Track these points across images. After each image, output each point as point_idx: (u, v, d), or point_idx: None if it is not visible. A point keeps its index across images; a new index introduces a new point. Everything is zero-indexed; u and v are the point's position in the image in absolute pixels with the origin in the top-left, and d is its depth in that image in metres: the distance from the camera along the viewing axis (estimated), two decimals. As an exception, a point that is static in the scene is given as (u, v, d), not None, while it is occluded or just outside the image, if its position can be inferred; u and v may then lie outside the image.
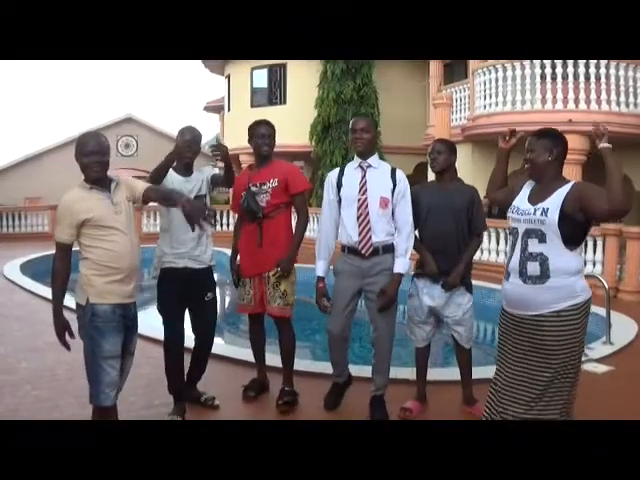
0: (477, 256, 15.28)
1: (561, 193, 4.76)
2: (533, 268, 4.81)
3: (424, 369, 7.00)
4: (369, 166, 6.50)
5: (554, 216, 4.70)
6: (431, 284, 6.63)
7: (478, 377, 7.04)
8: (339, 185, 6.58)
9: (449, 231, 6.60)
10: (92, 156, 5.07)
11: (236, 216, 7.46)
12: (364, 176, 6.47)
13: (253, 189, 6.79)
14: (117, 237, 5.12)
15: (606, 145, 4.72)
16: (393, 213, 6.40)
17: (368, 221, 6.35)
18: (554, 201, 4.76)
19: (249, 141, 6.97)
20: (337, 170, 6.79)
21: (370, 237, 6.36)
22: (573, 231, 4.76)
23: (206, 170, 6.84)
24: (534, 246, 4.82)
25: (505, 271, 5.11)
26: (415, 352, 6.99)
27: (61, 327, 5.14)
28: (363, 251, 6.38)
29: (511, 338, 4.99)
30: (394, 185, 6.41)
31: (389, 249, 6.44)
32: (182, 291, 6.49)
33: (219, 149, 6.42)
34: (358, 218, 6.39)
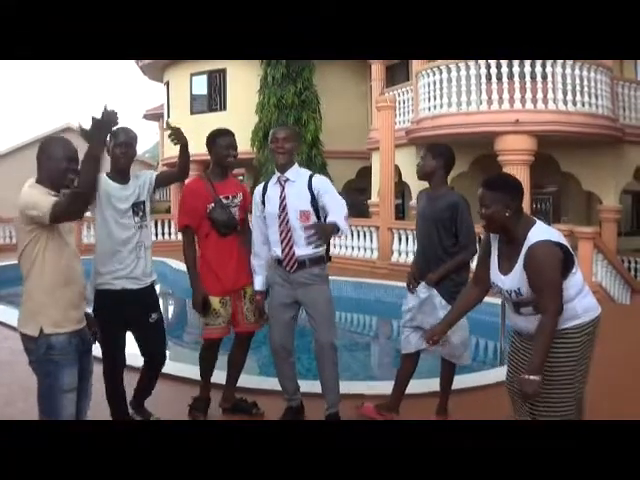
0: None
1: (520, 264, 4.61)
2: (527, 310, 4.72)
3: (401, 379, 6.68)
4: (287, 180, 6.29)
5: (528, 291, 4.59)
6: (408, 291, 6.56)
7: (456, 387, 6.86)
8: (263, 202, 6.42)
9: (430, 240, 6.35)
10: (72, 162, 4.63)
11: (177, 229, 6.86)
12: (282, 191, 6.29)
13: (225, 201, 6.41)
14: (69, 251, 4.66)
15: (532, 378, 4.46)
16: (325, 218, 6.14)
17: (290, 237, 6.22)
18: (520, 277, 4.62)
19: (209, 151, 6.48)
20: (261, 186, 6.55)
21: (294, 253, 6.23)
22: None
23: (145, 174, 6.30)
24: (525, 310, 4.75)
25: None
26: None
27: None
28: (287, 267, 6.27)
29: (518, 353, 4.94)
30: (312, 195, 6.18)
31: (317, 261, 6.29)
32: (122, 316, 5.90)
33: (173, 131, 5.98)
34: (280, 234, 6.26)
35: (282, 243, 6.24)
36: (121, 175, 6.00)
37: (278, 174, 6.33)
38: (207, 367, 6.68)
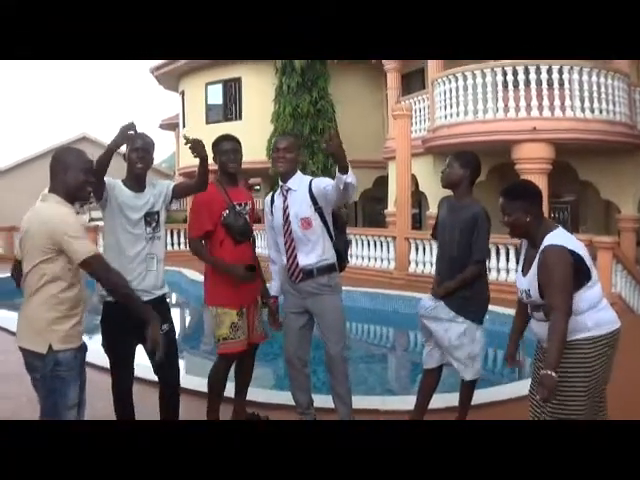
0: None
1: (535, 266, 4.75)
2: (540, 316, 4.84)
3: (424, 394, 6.50)
4: (289, 190, 6.27)
5: (536, 294, 4.75)
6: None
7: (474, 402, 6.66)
8: (271, 213, 6.43)
9: (450, 251, 6.24)
10: (89, 174, 4.60)
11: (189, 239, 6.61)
12: (285, 201, 6.28)
13: (238, 208, 6.30)
14: (77, 269, 4.53)
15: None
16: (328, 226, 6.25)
17: (294, 247, 6.21)
18: (532, 278, 4.77)
19: (214, 158, 6.32)
20: (270, 197, 6.54)
21: (297, 263, 6.20)
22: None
23: (162, 184, 6.02)
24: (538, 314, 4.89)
25: None
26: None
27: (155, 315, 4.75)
28: (292, 278, 6.25)
29: (539, 363, 5.00)
30: (313, 201, 6.14)
31: (325, 270, 6.20)
32: (131, 328, 5.40)
33: (192, 144, 5.66)
34: (285, 244, 6.27)
35: (287, 253, 6.22)
36: (137, 182, 5.73)
37: (281, 184, 6.29)
38: (220, 385, 6.45)
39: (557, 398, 4.55)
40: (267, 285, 6.65)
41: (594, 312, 4.70)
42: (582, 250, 4.67)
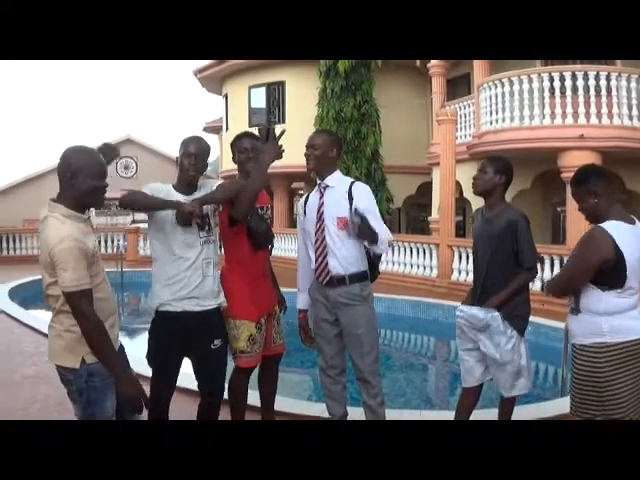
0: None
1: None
2: (571, 301, 4.94)
3: (462, 412, 6.21)
4: (326, 187, 5.95)
5: None
6: None
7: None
8: (305, 212, 6.10)
9: (486, 263, 5.97)
10: (103, 179, 4.26)
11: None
12: (321, 198, 5.96)
13: (260, 212, 6.05)
14: (102, 275, 4.35)
15: None
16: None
17: (325, 245, 5.86)
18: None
19: (233, 158, 6.15)
20: (304, 197, 6.24)
21: (327, 263, 5.85)
22: (600, 275, 4.68)
23: (208, 183, 5.64)
24: None
25: None
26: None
27: (142, 392, 4.29)
28: (320, 279, 5.90)
29: None
30: (350, 203, 5.77)
31: (358, 278, 5.87)
32: (180, 341, 5.36)
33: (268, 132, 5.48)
34: (315, 242, 5.92)
35: (316, 252, 5.90)
36: (188, 185, 5.46)
37: (319, 181, 6.02)
38: (241, 398, 6.19)
39: (575, 397, 4.79)
40: (280, 291, 6.45)
41: (615, 318, 4.68)
42: (631, 254, 4.60)
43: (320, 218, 5.85)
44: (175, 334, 5.32)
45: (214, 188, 5.50)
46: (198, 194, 5.43)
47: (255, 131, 5.91)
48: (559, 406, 7.23)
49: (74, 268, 4.03)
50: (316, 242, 5.88)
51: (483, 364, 6.00)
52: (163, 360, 5.40)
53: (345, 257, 5.78)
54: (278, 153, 5.46)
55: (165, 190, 5.37)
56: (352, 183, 5.91)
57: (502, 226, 5.81)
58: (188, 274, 5.30)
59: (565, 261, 4.82)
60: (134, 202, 5.25)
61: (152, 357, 5.47)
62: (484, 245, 5.98)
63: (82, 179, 4.16)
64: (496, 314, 5.79)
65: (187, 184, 5.45)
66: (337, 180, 5.95)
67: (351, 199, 5.77)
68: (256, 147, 5.93)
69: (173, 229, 5.29)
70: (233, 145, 6.13)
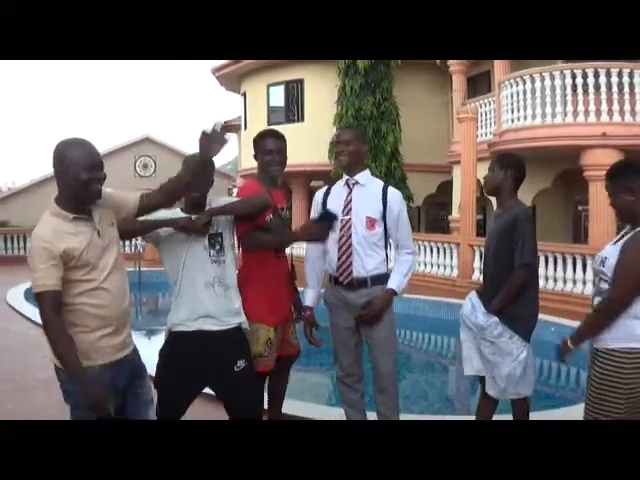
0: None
1: (620, 243, 4.55)
2: (597, 302, 4.65)
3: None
4: (356, 183, 5.74)
5: (611, 268, 4.50)
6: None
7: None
8: (324, 205, 5.82)
9: (491, 260, 5.79)
10: (95, 171, 4.01)
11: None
12: (349, 194, 5.73)
13: (280, 213, 5.72)
14: (108, 281, 4.10)
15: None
16: (386, 238, 5.75)
17: (350, 244, 5.62)
18: (614, 251, 4.54)
19: (255, 156, 5.79)
20: (323, 190, 6.01)
21: (350, 264, 5.63)
22: None
23: (218, 201, 5.27)
24: (602, 283, 4.61)
25: None
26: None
27: (101, 398, 3.99)
28: (341, 279, 5.67)
29: None
30: (384, 206, 5.62)
31: (380, 280, 5.67)
32: (194, 366, 4.93)
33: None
34: (339, 241, 5.65)
35: (339, 251, 5.64)
36: (196, 208, 5.07)
37: (346, 177, 5.81)
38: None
39: (592, 402, 4.54)
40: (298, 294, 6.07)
41: None
42: None
43: (347, 214, 5.63)
44: (188, 356, 4.95)
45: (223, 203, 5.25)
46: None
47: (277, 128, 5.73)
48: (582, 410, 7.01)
49: (37, 269, 3.90)
50: (340, 239, 5.63)
51: (478, 353, 5.80)
52: (168, 390, 4.98)
53: (370, 258, 5.60)
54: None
55: (169, 214, 5.07)
56: (385, 186, 5.77)
57: (505, 222, 5.63)
58: (199, 293, 4.99)
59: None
60: (125, 232, 4.75)
61: (158, 383, 5.06)
62: (492, 245, 5.78)
63: (74, 172, 3.95)
64: (495, 320, 5.60)
65: (193, 205, 5.10)
66: (368, 179, 5.80)
67: (385, 202, 5.61)
68: (281, 149, 5.70)
69: (180, 248, 5.01)
70: (256, 143, 5.81)
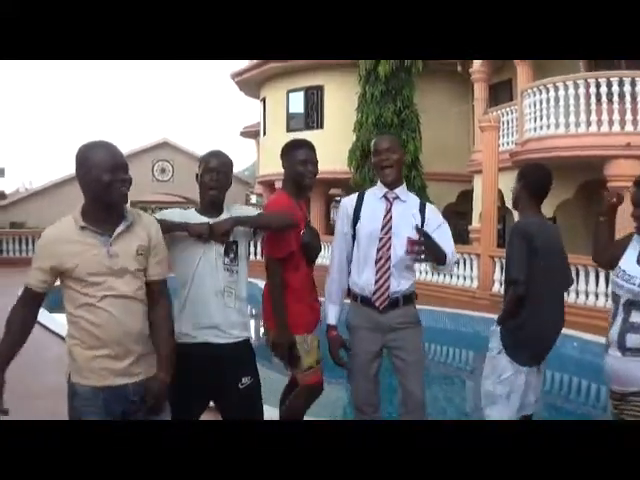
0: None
1: None
2: (633, 340, 4.15)
3: None
4: (396, 198, 5.37)
5: None
6: None
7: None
8: (356, 216, 5.41)
9: (507, 279, 5.42)
10: (118, 173, 3.85)
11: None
12: (389, 210, 5.34)
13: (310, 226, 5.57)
14: (110, 304, 3.86)
15: None
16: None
17: (389, 267, 5.26)
18: None
19: (283, 165, 5.60)
20: (355, 197, 5.58)
21: (388, 287, 5.26)
22: None
23: (240, 210, 5.07)
24: (637, 316, 4.14)
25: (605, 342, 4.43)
26: None
27: None
28: (377, 303, 5.29)
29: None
30: (422, 221, 5.30)
31: (410, 299, 5.42)
32: (200, 380, 4.68)
33: None
34: (377, 262, 5.28)
35: (377, 273, 5.26)
36: (211, 206, 4.88)
37: (385, 189, 5.38)
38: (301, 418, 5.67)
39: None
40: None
41: None
42: None
43: (387, 233, 5.28)
44: (192, 370, 4.61)
45: (243, 212, 5.02)
46: (225, 217, 4.87)
47: (293, 137, 5.54)
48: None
49: (32, 264, 3.97)
50: (378, 261, 5.28)
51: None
52: (178, 400, 4.52)
53: (405, 280, 5.33)
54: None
55: (184, 215, 4.87)
56: (423, 202, 5.49)
57: (508, 234, 5.42)
58: (207, 300, 4.74)
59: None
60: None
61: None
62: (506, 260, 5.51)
63: (96, 174, 3.79)
64: (495, 330, 5.39)
65: (210, 204, 4.90)
66: (406, 193, 5.47)
67: (423, 220, 5.32)
68: (315, 160, 5.55)
69: (195, 252, 4.76)
70: (286, 154, 5.63)
